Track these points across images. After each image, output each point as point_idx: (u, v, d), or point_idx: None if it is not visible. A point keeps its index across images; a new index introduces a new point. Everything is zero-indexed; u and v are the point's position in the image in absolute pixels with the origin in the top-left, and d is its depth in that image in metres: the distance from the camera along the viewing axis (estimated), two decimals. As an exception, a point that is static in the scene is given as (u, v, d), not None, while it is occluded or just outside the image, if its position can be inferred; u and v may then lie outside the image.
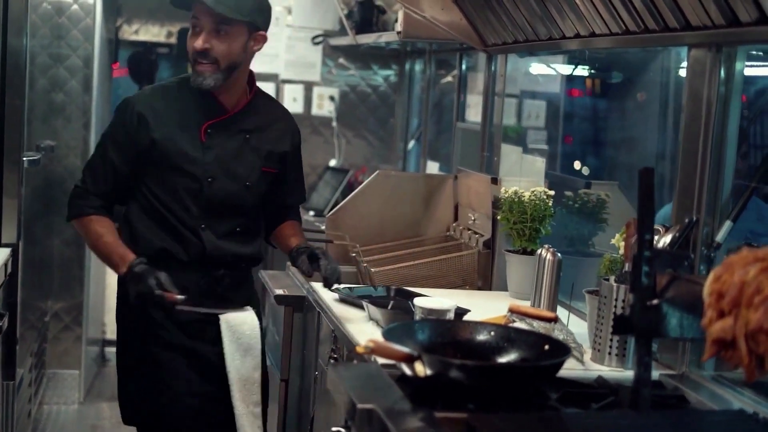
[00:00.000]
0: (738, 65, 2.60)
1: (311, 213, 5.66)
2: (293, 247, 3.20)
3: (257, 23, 3.04)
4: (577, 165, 4.47)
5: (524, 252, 3.46)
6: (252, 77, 3.19)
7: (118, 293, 3.24)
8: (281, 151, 3.20)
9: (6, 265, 3.74)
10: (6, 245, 3.91)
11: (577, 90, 4.75)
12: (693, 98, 2.66)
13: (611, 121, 4.69)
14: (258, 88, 3.23)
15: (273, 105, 3.32)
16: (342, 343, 2.99)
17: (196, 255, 3.10)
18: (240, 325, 3.16)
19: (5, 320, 3.44)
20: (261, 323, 3.26)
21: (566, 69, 4.47)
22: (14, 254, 3.90)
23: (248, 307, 3.22)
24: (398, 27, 4.33)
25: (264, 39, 3.09)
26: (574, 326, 2.94)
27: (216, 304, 3.14)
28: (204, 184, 3.07)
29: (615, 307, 2.63)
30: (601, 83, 4.53)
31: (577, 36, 3.22)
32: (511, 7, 3.52)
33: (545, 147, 4.79)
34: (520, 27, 3.59)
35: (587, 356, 2.73)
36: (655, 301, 2.12)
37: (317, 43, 5.90)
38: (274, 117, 3.23)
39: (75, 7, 5.49)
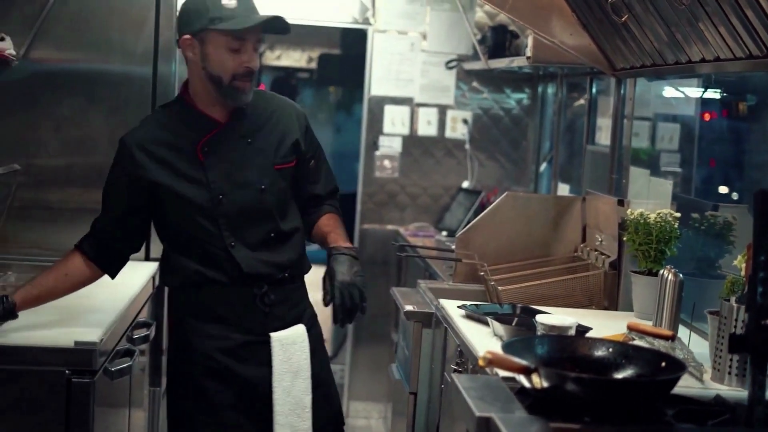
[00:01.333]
0: None
1: (444, 233, 5.79)
2: (329, 249, 3.07)
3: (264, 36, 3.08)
4: (723, 189, 4.47)
5: (650, 273, 3.50)
6: None
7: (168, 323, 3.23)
8: (291, 141, 3.09)
9: (154, 278, 3.98)
10: (155, 260, 4.15)
11: (709, 113, 4.76)
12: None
13: (744, 144, 4.67)
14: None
15: (266, 99, 3.15)
16: (467, 357, 3.10)
17: (235, 275, 3.03)
18: (291, 345, 3.08)
19: (152, 329, 3.66)
20: (319, 339, 3.21)
21: (697, 92, 4.49)
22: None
23: (300, 325, 3.14)
24: (528, 52, 4.44)
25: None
26: (697, 346, 2.98)
27: (264, 324, 3.06)
28: (215, 202, 2.99)
29: (735, 327, 2.67)
30: (735, 106, 4.53)
31: (703, 60, 3.26)
32: (639, 33, 3.58)
33: (678, 169, 4.81)
34: (648, 52, 3.64)
35: (707, 376, 2.77)
36: (768, 321, 2.18)
37: (451, 68, 6.03)
38: (271, 110, 3.10)
39: (221, 34, 5.75)
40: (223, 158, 3.00)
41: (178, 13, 3.06)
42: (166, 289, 3.31)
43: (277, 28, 3.01)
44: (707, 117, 4.77)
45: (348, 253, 3.03)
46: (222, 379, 3.06)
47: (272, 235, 3.06)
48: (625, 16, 3.52)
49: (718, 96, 4.47)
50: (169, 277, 3.15)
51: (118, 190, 3.08)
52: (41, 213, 4.15)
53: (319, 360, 3.23)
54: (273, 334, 3.07)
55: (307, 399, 3.11)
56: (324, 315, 6.97)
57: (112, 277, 3.16)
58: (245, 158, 3.02)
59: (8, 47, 3.69)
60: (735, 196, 4.29)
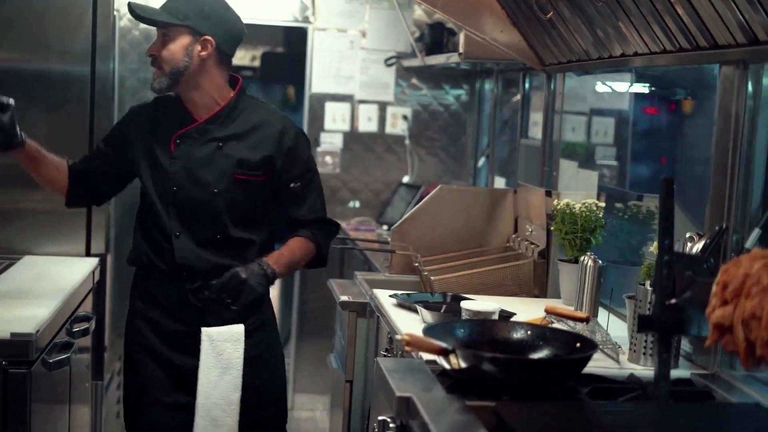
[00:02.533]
0: (765, 81, 2.76)
1: (385, 227, 5.89)
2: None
3: (200, 28, 3.10)
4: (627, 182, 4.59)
5: (576, 261, 3.62)
6: (239, 86, 3.25)
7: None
8: (261, 156, 3.17)
9: (94, 273, 4.04)
10: (95, 255, 4.21)
11: (641, 107, 4.89)
12: (723, 112, 2.83)
13: (676, 137, 4.81)
14: (246, 95, 3.26)
15: (259, 111, 3.26)
16: (396, 344, 3.20)
17: (172, 265, 3.19)
18: (223, 342, 3.17)
19: (92, 322, 3.72)
20: (265, 348, 3.30)
21: (626, 87, 4.62)
22: (102, 264, 4.21)
23: (238, 325, 3.22)
24: (460, 48, 4.55)
25: (210, 44, 3.11)
26: (616, 330, 3.10)
27: (198, 317, 3.19)
28: (170, 192, 3.17)
29: (648, 309, 2.80)
30: (661, 99, 4.66)
31: (623, 56, 3.40)
32: (564, 29, 3.70)
33: (614, 163, 4.94)
34: (573, 48, 3.77)
35: (624, 357, 2.90)
36: (673, 301, 2.30)
37: (390, 65, 6.13)
38: (257, 123, 3.21)
39: (162, 33, 5.81)
40: (190, 154, 3.16)
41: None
42: None
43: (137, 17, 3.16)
44: (643, 111, 4.91)
45: (263, 267, 3.14)
46: (153, 358, 3.25)
47: (218, 237, 3.19)
48: (550, 13, 3.64)
49: (646, 90, 4.60)
50: (129, 254, 3.36)
51: (110, 142, 3.32)
52: (-19, 211, 4.19)
53: (263, 368, 3.33)
54: (204, 329, 3.19)
55: (235, 396, 3.20)
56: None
57: (67, 202, 3.41)
58: (209, 160, 3.15)
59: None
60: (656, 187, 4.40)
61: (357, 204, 6.17)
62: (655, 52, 3.13)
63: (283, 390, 3.49)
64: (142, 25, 5.66)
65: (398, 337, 2.35)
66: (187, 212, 3.18)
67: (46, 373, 3.10)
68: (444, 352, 2.36)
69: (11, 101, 3.02)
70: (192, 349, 3.21)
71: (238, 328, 3.22)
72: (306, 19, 6.06)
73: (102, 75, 4.19)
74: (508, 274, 3.92)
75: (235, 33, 3.19)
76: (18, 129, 3.09)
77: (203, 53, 3.11)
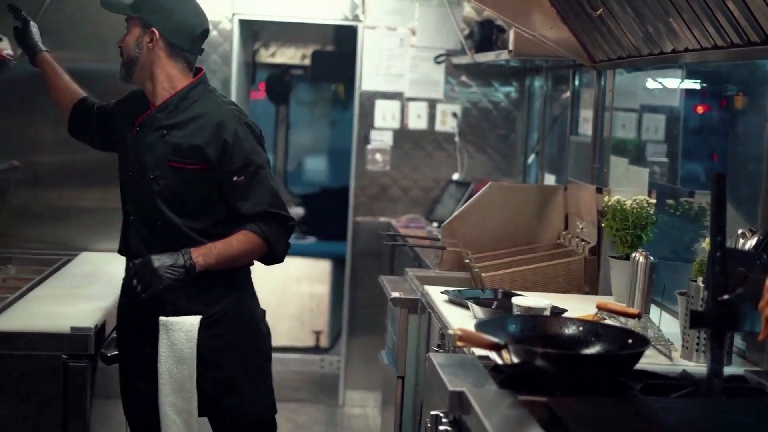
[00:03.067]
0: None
1: (435, 224, 5.91)
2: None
3: (148, 20, 3.20)
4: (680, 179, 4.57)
5: (627, 258, 3.62)
6: (196, 78, 3.31)
7: None
8: (192, 144, 3.19)
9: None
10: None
11: (692, 103, 4.86)
12: (776, 109, 2.82)
13: (723, 133, 4.78)
14: (201, 87, 3.31)
15: (207, 103, 3.29)
16: (447, 339, 3.23)
17: (126, 248, 3.31)
18: (177, 332, 3.18)
19: (148, 319, 3.78)
20: (222, 343, 3.27)
21: (676, 83, 4.60)
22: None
23: (194, 317, 3.21)
24: (510, 45, 4.56)
25: (155, 36, 3.20)
26: (669, 326, 3.10)
27: (153, 305, 3.18)
28: (125, 177, 3.31)
29: (701, 306, 2.80)
30: (712, 95, 4.63)
31: (674, 52, 3.39)
32: (614, 26, 3.70)
33: (665, 159, 4.92)
34: (624, 44, 3.77)
35: (677, 353, 2.90)
36: (725, 297, 2.30)
37: (440, 62, 6.15)
38: (199, 113, 3.24)
39: (214, 32, 5.88)
40: (142, 140, 3.24)
41: None
42: None
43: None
44: (695, 108, 4.88)
45: (184, 258, 3.13)
46: (122, 340, 3.33)
47: (159, 223, 3.22)
48: (600, 10, 3.64)
49: (697, 86, 4.58)
50: None
51: (110, 111, 3.51)
52: (40, 208, 4.29)
53: (227, 361, 3.30)
54: (161, 318, 3.19)
55: (190, 384, 3.20)
56: (321, 308, 7.09)
57: (69, 131, 3.63)
58: (153, 146, 3.22)
59: (6, 47, 3.82)
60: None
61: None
62: (706, 48, 3.12)
63: (259, 384, 3.41)
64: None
65: (450, 332, 2.38)
66: (135, 197, 3.27)
67: (103, 366, 3.17)
68: (496, 348, 2.38)
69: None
70: (150, 335, 3.22)
71: (193, 320, 3.20)
72: (356, 18, 6.10)
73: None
74: (559, 271, 3.92)
75: (187, 26, 3.24)
76: (36, 41, 3.56)
77: (150, 44, 3.20)
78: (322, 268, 7.21)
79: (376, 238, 6.14)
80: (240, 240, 3.20)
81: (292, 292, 7.06)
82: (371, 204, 6.24)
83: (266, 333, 3.47)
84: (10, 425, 2.92)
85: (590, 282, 3.95)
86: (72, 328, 2.95)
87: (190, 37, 3.25)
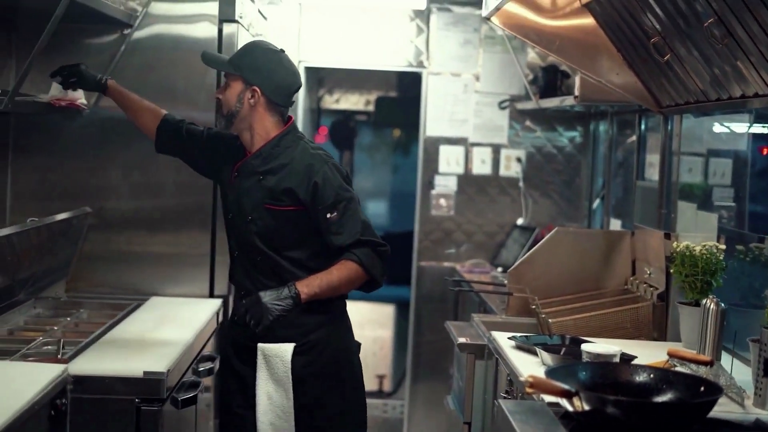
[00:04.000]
0: None
1: (499, 269, 5.91)
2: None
3: (250, 79, 3.49)
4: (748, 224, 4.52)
5: (696, 304, 3.59)
6: (285, 127, 3.57)
7: None
8: (284, 187, 3.46)
9: (218, 314, 4.15)
10: (218, 296, 4.34)
11: (759, 146, 4.82)
12: None
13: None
14: (292, 136, 3.57)
15: (297, 149, 3.54)
16: (516, 385, 3.22)
17: (231, 278, 3.67)
18: (273, 357, 3.47)
19: (216, 362, 3.82)
20: (312, 370, 3.48)
21: (745, 127, 4.57)
22: (225, 305, 4.33)
23: (289, 344, 3.47)
24: (576, 91, 4.57)
25: (258, 93, 3.48)
26: (740, 373, 3.06)
27: (252, 332, 3.42)
28: (228, 218, 3.61)
29: (774, 353, 2.76)
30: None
31: (743, 97, 3.38)
32: (681, 71, 3.70)
33: (732, 204, 4.87)
34: (691, 89, 3.76)
35: (749, 401, 2.86)
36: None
37: (504, 108, 6.18)
38: (290, 159, 3.51)
39: (280, 80, 5.96)
40: (240, 185, 3.55)
41: None
42: None
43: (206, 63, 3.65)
44: (762, 151, 4.83)
45: (290, 290, 3.39)
46: (227, 370, 3.65)
47: (258, 258, 3.51)
48: (668, 56, 3.64)
49: (766, 131, 4.54)
50: None
51: (211, 143, 3.71)
52: (111, 254, 4.35)
53: (315, 389, 3.52)
54: (259, 344, 3.49)
55: (289, 404, 3.47)
56: (384, 352, 7.10)
57: (156, 144, 3.80)
58: (250, 191, 3.52)
59: (80, 96, 3.92)
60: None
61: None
62: (765, 94, 3.10)
63: (348, 408, 3.61)
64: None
65: (522, 378, 2.37)
66: (237, 235, 3.58)
67: (174, 411, 3.20)
68: (567, 395, 2.37)
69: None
70: (251, 361, 3.52)
71: (287, 347, 3.47)
72: (420, 64, 6.16)
73: (225, 122, 4.32)
74: (627, 317, 3.90)
75: (283, 86, 3.54)
76: (94, 75, 3.77)
77: (251, 100, 3.49)
78: (385, 312, 7.23)
79: (439, 283, 6.16)
80: (340, 268, 3.43)
81: (355, 336, 7.06)
82: (435, 249, 6.26)
83: (358, 364, 3.69)
84: (84, 468, 2.96)
85: (658, 328, 3.92)
86: (145, 372, 2.99)
87: (287, 94, 3.57)
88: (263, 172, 3.50)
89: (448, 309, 6.16)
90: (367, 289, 3.53)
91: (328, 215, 3.44)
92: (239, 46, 4.24)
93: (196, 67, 3.80)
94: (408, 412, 6.34)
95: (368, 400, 6.49)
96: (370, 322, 7.12)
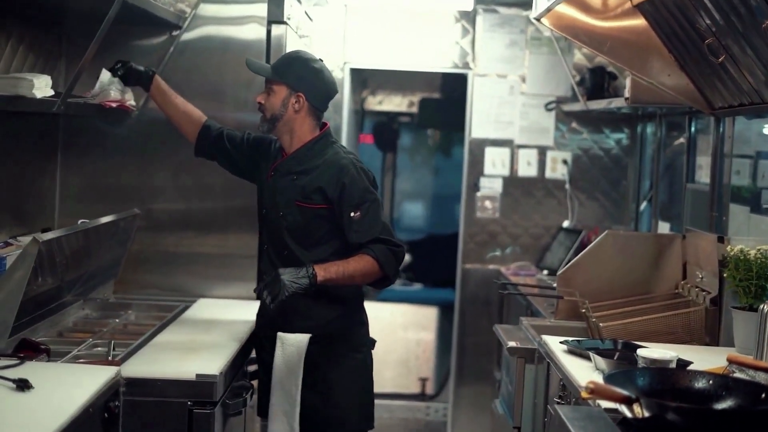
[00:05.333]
0: None
1: (545, 272, 5.87)
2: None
3: (295, 86, 3.66)
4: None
5: (751, 309, 3.54)
6: (322, 131, 3.75)
7: None
8: (315, 186, 3.64)
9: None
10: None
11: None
12: None
13: None
14: (325, 139, 3.76)
15: (329, 152, 3.73)
16: (569, 390, 3.18)
17: (259, 267, 3.84)
18: (289, 346, 3.59)
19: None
20: (327, 358, 3.62)
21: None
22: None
23: (306, 335, 3.60)
24: (626, 93, 4.52)
25: (302, 99, 3.66)
26: (799, 380, 3.01)
27: (274, 322, 3.60)
28: (262, 214, 3.77)
29: (835, 360, 2.71)
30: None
31: (800, 99, 3.32)
32: (736, 72, 3.64)
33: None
34: (746, 91, 3.70)
35: (809, 409, 2.80)
36: None
37: (550, 110, 6.14)
38: (320, 161, 3.69)
39: (325, 81, 5.96)
40: (275, 183, 3.72)
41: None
42: None
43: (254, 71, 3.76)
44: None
45: (307, 271, 3.51)
46: (260, 357, 3.78)
47: (285, 253, 3.67)
48: (722, 57, 3.59)
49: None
50: None
51: (253, 146, 3.87)
52: (159, 256, 4.36)
53: (321, 377, 3.64)
54: (279, 333, 3.61)
55: (295, 391, 3.57)
56: (427, 355, 7.07)
57: (196, 148, 3.95)
58: (284, 189, 3.69)
59: (129, 98, 3.93)
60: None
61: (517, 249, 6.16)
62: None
63: (357, 399, 3.72)
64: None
65: (582, 384, 2.34)
66: (269, 230, 3.76)
67: (225, 414, 3.20)
68: (627, 401, 2.34)
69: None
70: (270, 348, 3.64)
71: (303, 337, 3.59)
72: (466, 65, 6.13)
73: (273, 125, 4.32)
74: (679, 322, 3.85)
75: (324, 92, 3.74)
76: (142, 69, 3.87)
77: (296, 105, 3.67)
78: (428, 314, 7.20)
79: (484, 285, 6.13)
80: (357, 260, 3.59)
81: (398, 338, 7.06)
82: (480, 251, 6.23)
83: (371, 359, 3.81)
84: (136, 470, 2.96)
85: (710, 333, 3.87)
86: (197, 375, 2.99)
87: (327, 100, 3.78)
88: (297, 172, 3.68)
89: (493, 312, 6.12)
90: (379, 285, 3.71)
91: (352, 214, 3.61)
92: (288, 48, 4.25)
93: (244, 68, 3.79)
94: (452, 416, 6.31)
95: (411, 403, 6.47)
96: (414, 325, 7.11)
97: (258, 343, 3.78)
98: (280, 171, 3.71)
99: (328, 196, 3.63)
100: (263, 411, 3.70)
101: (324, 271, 3.51)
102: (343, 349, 3.70)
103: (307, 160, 3.69)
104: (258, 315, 3.77)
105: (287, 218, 3.66)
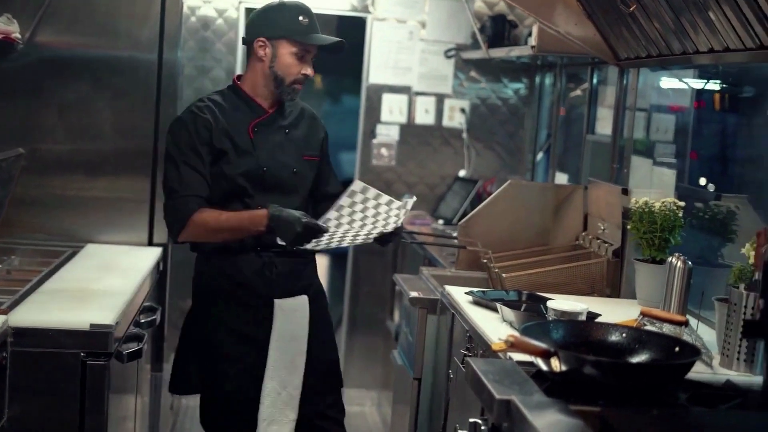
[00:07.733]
0: None
1: (440, 221, 5.82)
2: None
3: (262, 34, 3.48)
4: (702, 181, 4.50)
5: (653, 261, 3.54)
6: None
7: (194, 280, 3.53)
8: (318, 139, 3.62)
9: (158, 263, 3.99)
10: (157, 245, 4.17)
11: (707, 104, 4.78)
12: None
13: (741, 136, 4.70)
14: None
15: (300, 105, 3.64)
16: (477, 342, 3.13)
17: (249, 238, 3.39)
18: (292, 312, 3.47)
19: (158, 314, 3.68)
20: (321, 311, 3.59)
21: (696, 83, 4.52)
22: (165, 253, 4.16)
23: (303, 296, 3.51)
24: (532, 41, 4.46)
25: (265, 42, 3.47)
26: (702, 334, 3.01)
27: (269, 289, 3.42)
28: (260, 172, 3.43)
29: (744, 313, 2.71)
30: (732, 98, 4.55)
31: (711, 51, 3.29)
32: (645, 21, 3.61)
33: (673, 161, 4.84)
34: (654, 41, 3.67)
35: (716, 361, 2.81)
36: (784, 306, 2.22)
37: (450, 57, 6.05)
38: (302, 115, 3.62)
39: (220, 21, 5.77)
40: (268, 140, 3.49)
41: (252, 15, 3.50)
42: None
43: (336, 50, 3.49)
44: (705, 108, 4.79)
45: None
46: (229, 333, 3.45)
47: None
48: (633, 6, 3.55)
49: (717, 87, 4.50)
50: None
51: (197, 152, 3.38)
52: (45, 198, 4.16)
53: (321, 326, 3.59)
54: (277, 301, 3.45)
55: (300, 360, 3.46)
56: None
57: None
58: (284, 144, 3.52)
59: (15, 30, 3.68)
60: (711, 187, 4.29)
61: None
62: (750, 48, 3.02)
63: (336, 356, 3.71)
64: (200, 12, 5.65)
65: (502, 339, 2.28)
66: (271, 188, 3.46)
67: (120, 365, 3.06)
68: (546, 354, 2.28)
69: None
70: (262, 319, 3.44)
71: (303, 299, 3.50)
72: (365, 9, 6.00)
73: (169, 63, 4.15)
74: (580, 273, 3.84)
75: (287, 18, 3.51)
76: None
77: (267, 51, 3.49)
78: (321, 263, 7.10)
79: (378, 234, 6.04)
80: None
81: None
82: (375, 199, 6.13)
83: None
84: (27, 422, 2.80)
85: (611, 284, 3.87)
86: (91, 325, 2.84)
87: (294, 23, 3.51)
88: (287, 126, 3.55)
89: (387, 261, 6.05)
90: None
91: (326, 166, 3.65)
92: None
93: (138, 4, 3.59)
94: (343, 364, 6.23)
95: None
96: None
97: (236, 316, 3.46)
98: (265, 126, 3.49)
99: (323, 146, 3.65)
100: (180, 386, 3.52)
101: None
102: (324, 300, 3.70)
103: (288, 114, 3.57)
104: (237, 284, 3.45)
105: (300, 174, 3.53)
